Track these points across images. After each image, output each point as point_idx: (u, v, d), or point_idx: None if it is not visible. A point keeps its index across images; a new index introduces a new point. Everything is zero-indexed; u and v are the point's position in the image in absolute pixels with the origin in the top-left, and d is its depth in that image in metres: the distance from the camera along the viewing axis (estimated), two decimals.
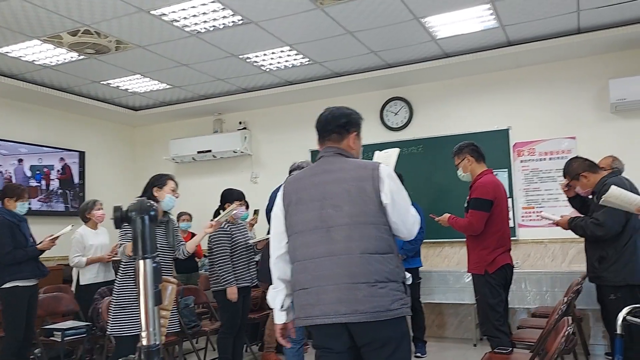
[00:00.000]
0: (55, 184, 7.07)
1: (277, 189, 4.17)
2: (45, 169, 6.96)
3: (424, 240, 5.41)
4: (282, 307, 2.36)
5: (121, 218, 1.21)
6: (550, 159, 5.91)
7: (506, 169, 6.03)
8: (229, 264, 4.57)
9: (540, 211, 5.68)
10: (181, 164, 7.90)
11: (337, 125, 2.37)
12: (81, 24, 4.78)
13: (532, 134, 6.00)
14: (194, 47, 5.41)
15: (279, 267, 2.35)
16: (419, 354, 5.27)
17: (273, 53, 5.70)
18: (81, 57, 5.57)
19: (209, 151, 7.44)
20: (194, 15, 4.69)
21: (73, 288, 5.33)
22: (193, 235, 6.70)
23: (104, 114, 7.60)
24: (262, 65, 6.05)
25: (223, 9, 4.58)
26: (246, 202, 5.42)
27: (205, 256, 6.84)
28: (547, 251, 5.83)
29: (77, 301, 5.11)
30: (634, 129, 5.57)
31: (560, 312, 3.03)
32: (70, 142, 7.38)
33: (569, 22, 5.16)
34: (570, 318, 2.45)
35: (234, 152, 7.38)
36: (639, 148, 5.46)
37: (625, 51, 5.64)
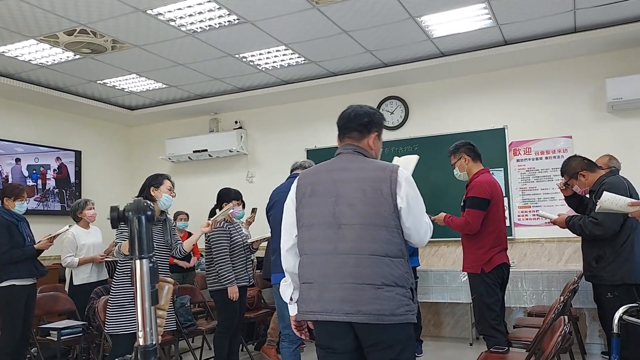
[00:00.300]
0: (51, 184, 7.06)
1: (278, 188, 4.18)
2: (41, 169, 6.94)
3: None
4: (291, 299, 2.36)
5: (118, 218, 1.21)
6: (546, 158, 5.92)
7: (502, 168, 6.04)
8: (229, 263, 4.56)
9: (537, 210, 5.69)
10: (177, 163, 7.89)
11: (359, 124, 2.34)
12: (77, 23, 4.76)
13: (529, 133, 6.01)
14: (190, 46, 5.40)
15: (288, 259, 2.34)
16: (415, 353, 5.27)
17: (269, 52, 5.69)
18: (77, 56, 5.56)
19: (205, 150, 7.44)
20: (190, 15, 4.68)
21: (66, 288, 5.32)
22: (190, 234, 6.71)
23: (100, 113, 7.58)
24: (258, 65, 6.04)
25: (219, 8, 4.57)
26: (242, 201, 5.42)
27: (202, 255, 6.85)
28: (543, 250, 5.84)
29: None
30: (630, 128, 5.59)
31: (556, 311, 3.03)
32: (67, 142, 7.37)
33: (566, 21, 5.17)
34: (566, 317, 2.45)
35: (230, 151, 7.37)
36: (635, 147, 5.49)
37: (621, 50, 5.66)
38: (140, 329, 1.18)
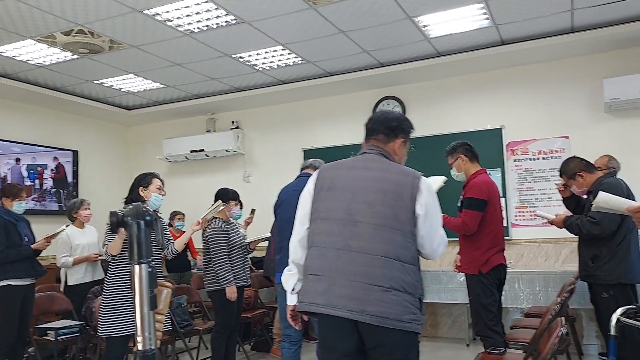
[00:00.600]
0: (48, 183, 7.05)
1: (287, 187, 4.17)
2: (39, 168, 6.94)
3: None
4: (293, 289, 2.36)
5: (117, 223, 1.22)
6: (543, 158, 5.93)
7: (499, 169, 6.04)
8: (227, 263, 4.56)
9: (534, 211, 5.70)
10: (174, 163, 7.88)
11: (387, 127, 2.35)
12: (75, 23, 4.76)
13: (526, 133, 6.01)
14: (187, 46, 5.39)
15: (296, 250, 2.34)
16: None
17: (266, 52, 5.69)
18: (75, 56, 5.55)
19: (202, 150, 7.44)
20: (188, 15, 4.68)
21: (62, 288, 5.32)
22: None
23: (98, 113, 7.57)
24: (255, 65, 6.04)
25: (216, 8, 4.56)
26: (240, 201, 5.42)
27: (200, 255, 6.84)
28: (540, 251, 5.85)
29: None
30: (628, 128, 5.60)
31: (553, 312, 3.04)
32: (64, 142, 7.36)
33: (563, 21, 5.17)
34: (563, 319, 2.46)
35: (227, 151, 7.37)
36: (633, 148, 5.49)
37: (619, 50, 5.66)
38: (139, 333, 1.18)
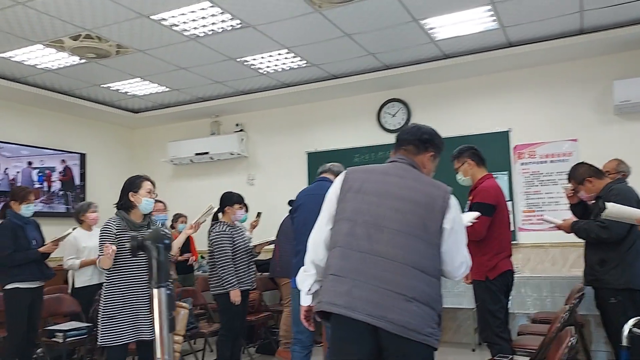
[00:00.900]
0: (56, 186, 7.09)
1: (305, 190, 4.16)
2: (47, 171, 6.98)
3: None
4: (309, 290, 2.32)
5: (137, 247, 1.23)
6: (551, 161, 5.88)
7: (506, 172, 6.00)
8: (231, 266, 4.57)
9: (541, 215, 5.66)
10: (179, 165, 7.90)
11: (417, 139, 2.36)
12: (83, 29, 4.78)
13: (533, 136, 5.97)
14: (192, 50, 5.40)
15: (317, 251, 2.31)
16: None
17: (271, 56, 5.68)
18: (82, 61, 5.58)
19: (207, 153, 7.44)
20: (193, 20, 4.68)
21: (69, 290, 5.34)
22: (188, 237, 6.70)
23: (104, 116, 7.60)
24: (260, 68, 6.04)
25: (222, 13, 4.56)
26: (245, 204, 5.42)
27: (202, 257, 6.85)
28: (547, 255, 5.81)
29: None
30: (638, 131, 5.52)
31: (562, 320, 3.01)
32: (71, 144, 7.39)
33: (572, 23, 5.12)
34: (573, 328, 2.44)
35: (231, 154, 7.37)
36: None
37: (629, 52, 5.59)
38: (158, 355, 1.20)
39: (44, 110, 7.06)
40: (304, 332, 3.62)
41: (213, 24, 4.78)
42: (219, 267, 4.57)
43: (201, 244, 6.19)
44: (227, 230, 4.67)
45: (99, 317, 3.46)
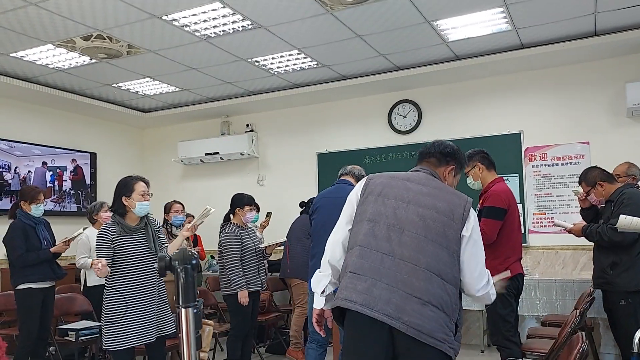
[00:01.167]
0: (67, 185, 7.14)
1: (323, 193, 4.14)
2: (58, 170, 7.02)
3: None
4: (323, 292, 2.32)
5: (165, 267, 1.25)
6: (562, 164, 5.85)
7: (517, 174, 5.98)
8: (239, 268, 4.60)
9: (552, 218, 5.64)
10: (189, 165, 7.93)
11: (439, 152, 2.41)
12: (94, 29, 4.81)
13: (545, 139, 5.93)
14: (203, 51, 5.42)
15: (335, 251, 2.32)
16: None
17: (282, 57, 5.69)
18: (93, 61, 5.61)
19: (217, 153, 7.45)
20: (205, 21, 4.70)
21: (82, 289, 5.38)
22: (196, 237, 6.73)
23: (115, 115, 7.64)
24: (270, 69, 6.05)
25: (233, 14, 4.58)
26: (257, 205, 5.44)
27: (212, 257, 6.88)
28: (557, 258, 5.78)
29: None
30: None
31: (573, 325, 3.00)
32: (82, 144, 7.44)
33: (586, 25, 5.09)
34: (584, 334, 2.42)
35: (241, 154, 7.38)
36: None
37: None
38: None
39: (54, 110, 7.11)
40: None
41: (224, 24, 4.79)
42: (227, 268, 4.61)
43: (211, 244, 6.22)
44: (236, 231, 4.69)
45: (101, 322, 3.44)
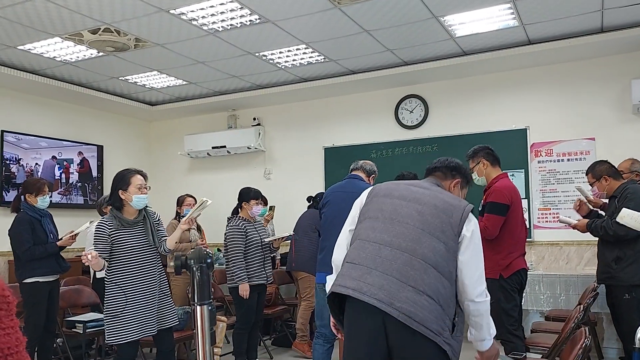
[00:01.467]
0: (74, 177, 7.18)
1: (333, 187, 4.15)
2: (65, 163, 7.06)
3: None
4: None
5: (181, 266, 1.30)
6: (568, 160, 5.85)
7: (523, 170, 5.99)
8: (241, 261, 4.65)
9: (557, 213, 5.66)
10: (196, 159, 7.96)
11: (445, 166, 2.52)
12: (102, 22, 4.83)
13: (551, 134, 5.94)
14: (211, 45, 5.44)
15: (338, 252, 2.42)
16: None
17: (289, 51, 5.70)
18: (101, 54, 5.63)
19: (224, 147, 7.48)
20: (212, 15, 4.71)
21: (91, 281, 5.43)
22: (199, 229, 6.77)
23: (121, 108, 7.67)
24: (278, 63, 6.06)
25: (241, 8, 4.59)
26: (264, 198, 5.48)
27: (219, 250, 6.93)
28: (562, 253, 5.79)
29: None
30: None
31: (576, 320, 3.02)
32: (89, 136, 7.48)
33: (593, 21, 5.08)
34: (587, 329, 2.45)
35: (248, 148, 7.41)
36: None
37: None
38: None
39: (62, 103, 7.14)
40: (327, 326, 3.67)
41: (232, 18, 4.81)
42: (230, 261, 4.67)
43: (217, 236, 6.26)
44: (240, 224, 4.74)
45: (104, 316, 3.47)
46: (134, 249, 3.47)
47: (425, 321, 2.01)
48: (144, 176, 3.54)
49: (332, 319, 2.43)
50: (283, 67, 6.20)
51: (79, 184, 7.24)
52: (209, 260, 1.29)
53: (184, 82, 6.75)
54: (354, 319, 2.17)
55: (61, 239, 4.53)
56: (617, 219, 3.23)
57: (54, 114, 7.07)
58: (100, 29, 4.97)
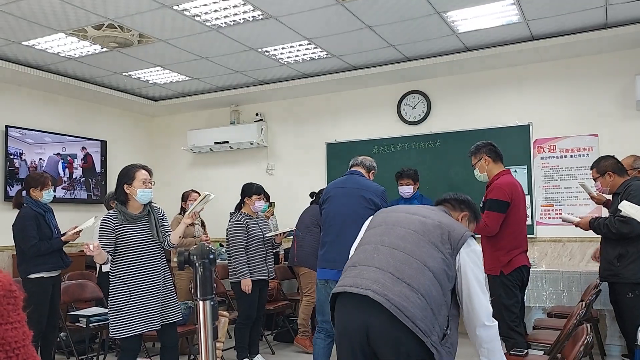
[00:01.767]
0: (78, 173, 7.20)
1: (334, 183, 4.17)
2: (69, 158, 7.08)
3: None
4: None
5: (184, 261, 1.32)
6: (571, 156, 5.84)
7: (525, 166, 5.98)
8: (243, 256, 4.67)
9: (560, 210, 5.66)
10: (198, 154, 7.97)
11: (454, 199, 2.59)
12: (105, 18, 4.84)
13: (554, 130, 5.92)
14: (214, 41, 5.44)
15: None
16: None
17: (291, 47, 5.70)
18: (104, 49, 5.64)
19: (226, 142, 7.49)
20: (215, 10, 4.72)
21: (96, 275, 5.45)
22: (202, 224, 6.80)
23: (125, 104, 7.69)
24: (280, 59, 6.06)
25: (244, 4, 4.59)
26: (267, 194, 5.49)
27: (221, 245, 6.95)
28: (565, 250, 5.79)
29: (100, 287, 5.20)
30: None
31: (578, 317, 3.03)
32: (92, 132, 7.50)
33: (596, 17, 5.06)
34: (589, 326, 2.46)
35: (251, 143, 7.41)
36: None
37: None
38: None
39: (65, 98, 7.16)
40: (328, 322, 3.69)
41: (235, 14, 4.81)
42: (232, 257, 4.70)
43: (219, 232, 6.28)
44: (242, 220, 4.76)
45: (109, 309, 3.49)
46: (138, 244, 3.49)
47: (415, 318, 2.03)
48: (149, 171, 3.58)
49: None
50: (286, 62, 6.20)
51: (83, 179, 7.27)
52: (211, 256, 1.31)
53: (187, 78, 6.76)
54: (343, 311, 2.22)
55: (64, 234, 4.53)
56: (619, 207, 3.24)
57: (58, 109, 7.09)
58: (104, 24, 4.98)
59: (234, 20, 4.94)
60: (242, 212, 4.87)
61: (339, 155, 6.90)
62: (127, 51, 5.72)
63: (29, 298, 3.74)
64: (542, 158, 5.97)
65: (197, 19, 4.87)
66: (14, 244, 4.49)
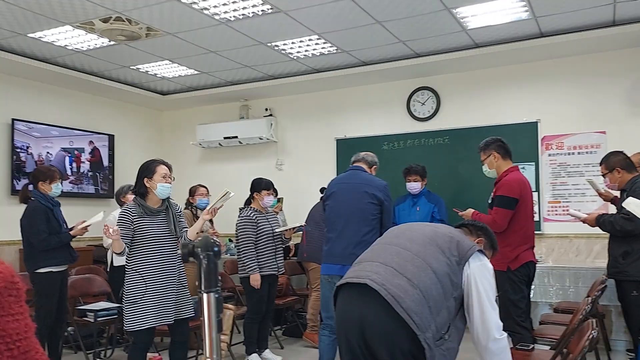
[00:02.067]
0: (85, 167, 7.22)
1: (337, 179, 4.22)
2: (76, 152, 7.11)
3: None
4: None
5: (188, 253, 1.32)
6: (578, 153, 5.83)
7: (533, 163, 5.97)
8: (252, 251, 4.68)
9: (567, 206, 5.65)
10: (207, 149, 7.99)
11: (472, 225, 2.63)
12: (113, 11, 4.85)
13: (562, 128, 5.91)
14: (222, 34, 5.45)
15: None
16: None
17: (301, 41, 5.70)
18: (112, 43, 5.65)
19: (236, 137, 7.49)
20: (224, 4, 4.72)
21: (108, 269, 5.48)
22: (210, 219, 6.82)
23: (133, 98, 7.70)
24: (290, 53, 6.06)
25: None
26: (275, 190, 5.50)
27: (230, 241, 6.98)
28: (571, 246, 5.79)
29: (110, 282, 5.24)
30: None
31: (584, 312, 3.03)
32: (100, 126, 7.50)
33: (605, 14, 5.05)
34: (595, 321, 2.46)
35: (260, 138, 7.42)
36: None
37: None
38: (207, 355, 1.31)
39: (73, 91, 7.16)
40: (333, 318, 3.70)
41: (244, 8, 4.81)
42: (241, 252, 4.71)
43: (228, 227, 6.30)
44: (251, 215, 4.78)
45: (122, 303, 3.52)
46: (155, 237, 3.52)
47: (410, 310, 2.03)
48: (169, 167, 3.65)
49: None
50: (295, 57, 6.20)
51: (90, 173, 7.29)
52: (215, 249, 1.32)
53: (196, 72, 6.77)
54: (343, 302, 2.27)
55: (72, 228, 4.52)
56: (623, 204, 3.24)
57: (65, 103, 7.09)
58: (111, 17, 4.99)
59: (243, 14, 4.94)
60: (251, 207, 4.88)
61: (348, 151, 6.86)
62: (135, 44, 5.73)
63: (38, 292, 3.77)
64: (549, 155, 5.96)
65: (206, 12, 4.88)
66: (21, 239, 4.47)
